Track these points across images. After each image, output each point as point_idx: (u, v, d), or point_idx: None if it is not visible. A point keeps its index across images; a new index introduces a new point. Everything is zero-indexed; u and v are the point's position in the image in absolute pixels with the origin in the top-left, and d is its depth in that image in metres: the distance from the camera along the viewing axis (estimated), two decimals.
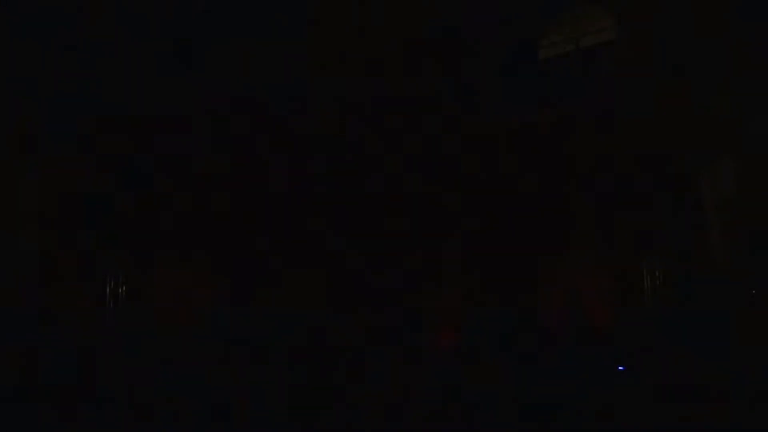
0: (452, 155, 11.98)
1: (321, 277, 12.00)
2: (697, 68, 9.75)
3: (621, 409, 8.80)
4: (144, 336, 9.92)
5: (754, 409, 8.19)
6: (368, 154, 12.01)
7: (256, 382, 11.43)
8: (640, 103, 10.33)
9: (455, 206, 11.92)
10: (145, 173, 11.78)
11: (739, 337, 9.00)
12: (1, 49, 9.81)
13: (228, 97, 11.24)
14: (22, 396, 9.08)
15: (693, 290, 9.97)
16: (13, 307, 9.39)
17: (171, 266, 12.18)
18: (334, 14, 10.76)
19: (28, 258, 9.59)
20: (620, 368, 10.41)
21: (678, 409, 8.57)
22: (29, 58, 9.95)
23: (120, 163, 11.30)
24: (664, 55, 9.99)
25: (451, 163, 11.92)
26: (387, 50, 10.98)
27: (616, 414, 8.46)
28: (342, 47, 10.94)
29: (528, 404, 9.35)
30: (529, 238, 11.88)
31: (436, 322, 11.58)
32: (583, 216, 11.40)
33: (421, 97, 11.45)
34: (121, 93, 10.61)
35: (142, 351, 9.81)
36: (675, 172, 10.10)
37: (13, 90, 9.87)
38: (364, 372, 10.38)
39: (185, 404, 9.14)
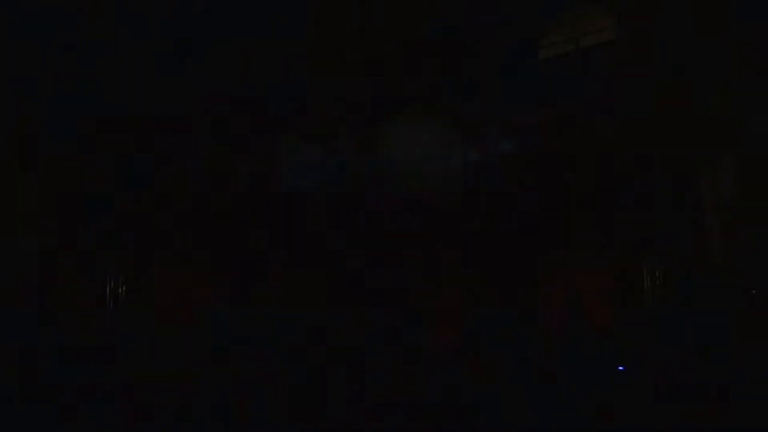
0: (452, 155, 11.98)
1: (321, 277, 12.00)
2: (697, 68, 9.74)
3: (621, 409, 8.80)
4: (144, 336, 9.91)
5: (754, 409, 8.19)
6: (367, 154, 12.01)
7: (256, 382, 11.43)
8: (640, 103, 10.33)
9: (455, 206, 11.92)
10: (145, 173, 11.77)
11: (739, 337, 8.99)
12: (1, 49, 9.80)
13: (228, 97, 11.23)
14: (22, 396, 9.07)
15: (693, 290, 9.97)
16: (13, 307, 9.38)
17: (171, 266, 12.18)
18: (334, 14, 10.76)
19: (28, 258, 9.58)
20: (620, 368, 10.40)
21: (678, 409, 8.56)
22: (29, 58, 9.94)
23: (120, 163, 11.29)
24: (664, 55, 9.98)
25: (451, 162, 11.92)
26: (387, 50, 10.98)
27: (616, 414, 8.46)
28: (342, 47, 10.93)
29: (527, 404, 9.35)
30: (529, 238, 11.88)
31: (436, 322, 11.58)
32: (583, 216, 11.40)
33: (421, 97, 11.45)
34: (121, 93, 10.60)
35: (142, 351, 9.80)
36: (675, 172, 10.10)
37: (13, 90, 9.85)
38: (364, 372, 10.37)
39: (185, 404, 9.14)
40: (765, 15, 9.07)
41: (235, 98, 11.27)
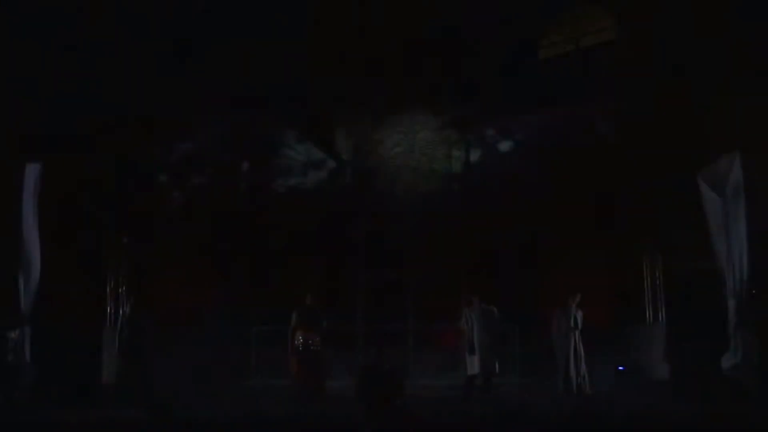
0: (452, 155, 12.00)
1: (320, 277, 12.01)
2: (697, 68, 9.74)
3: (621, 408, 8.79)
4: (144, 336, 9.89)
5: (754, 409, 8.18)
6: (368, 154, 12.05)
7: (255, 381, 11.43)
8: (640, 103, 10.34)
9: (455, 206, 11.94)
10: (145, 173, 11.78)
11: (739, 337, 8.98)
12: (1, 49, 9.79)
13: (228, 97, 11.24)
14: (23, 396, 9.07)
15: (693, 290, 9.96)
16: (13, 308, 9.37)
17: (171, 266, 12.18)
18: (334, 14, 10.77)
19: (28, 258, 9.56)
20: (620, 368, 10.40)
21: (677, 409, 8.56)
22: (29, 58, 9.93)
23: (120, 163, 11.29)
24: (664, 55, 9.99)
25: (452, 163, 11.95)
26: (387, 50, 11.00)
27: (616, 414, 8.46)
28: (342, 47, 10.95)
29: (528, 403, 9.34)
30: (530, 238, 11.89)
31: (437, 321, 11.58)
32: (583, 215, 11.41)
33: (421, 97, 11.47)
34: (121, 93, 10.60)
35: (142, 351, 9.79)
36: (675, 172, 10.10)
37: (13, 90, 9.84)
38: (364, 371, 10.35)
39: (185, 403, 9.13)
40: (765, 15, 9.08)
41: (235, 98, 11.28)
